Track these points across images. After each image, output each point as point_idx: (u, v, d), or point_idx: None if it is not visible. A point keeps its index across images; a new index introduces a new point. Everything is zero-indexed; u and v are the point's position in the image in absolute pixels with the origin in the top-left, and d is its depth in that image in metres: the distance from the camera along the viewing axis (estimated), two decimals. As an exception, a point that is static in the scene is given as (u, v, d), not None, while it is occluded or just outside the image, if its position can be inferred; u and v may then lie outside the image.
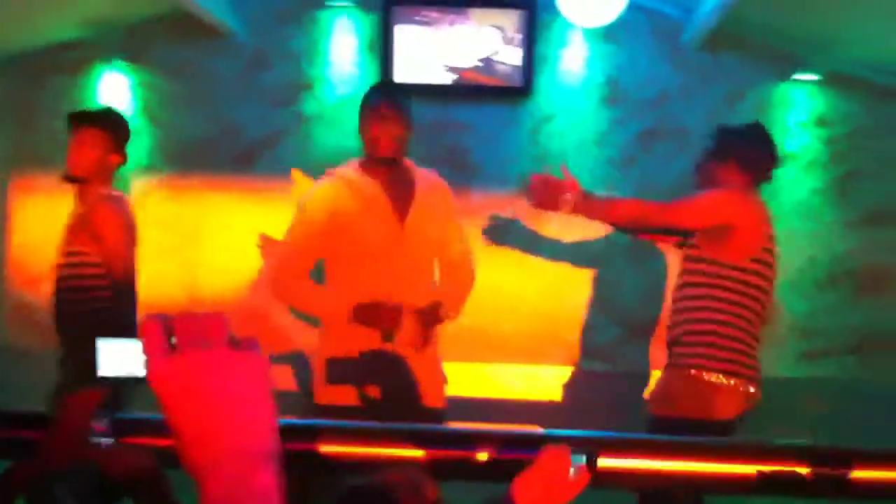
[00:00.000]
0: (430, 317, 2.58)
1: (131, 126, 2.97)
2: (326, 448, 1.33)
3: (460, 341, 3.88)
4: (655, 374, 2.81)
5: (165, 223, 4.17)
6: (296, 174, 2.36)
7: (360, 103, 2.59)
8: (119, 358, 0.83)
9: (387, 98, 2.57)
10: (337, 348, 2.58)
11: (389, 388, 2.55)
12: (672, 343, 2.63)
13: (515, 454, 1.32)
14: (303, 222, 2.59)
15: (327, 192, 2.59)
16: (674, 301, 2.69)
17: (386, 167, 2.57)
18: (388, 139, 2.49)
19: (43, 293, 4.15)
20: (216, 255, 4.18)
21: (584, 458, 1.27)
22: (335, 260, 2.62)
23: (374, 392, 2.54)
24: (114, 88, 4.16)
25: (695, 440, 1.49)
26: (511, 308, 3.65)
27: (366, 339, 2.53)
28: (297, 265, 2.61)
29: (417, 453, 1.34)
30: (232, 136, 4.13)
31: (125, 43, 4.11)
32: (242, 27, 4.07)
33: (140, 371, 0.70)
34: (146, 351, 0.71)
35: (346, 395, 2.53)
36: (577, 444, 1.29)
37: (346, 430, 1.38)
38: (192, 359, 0.70)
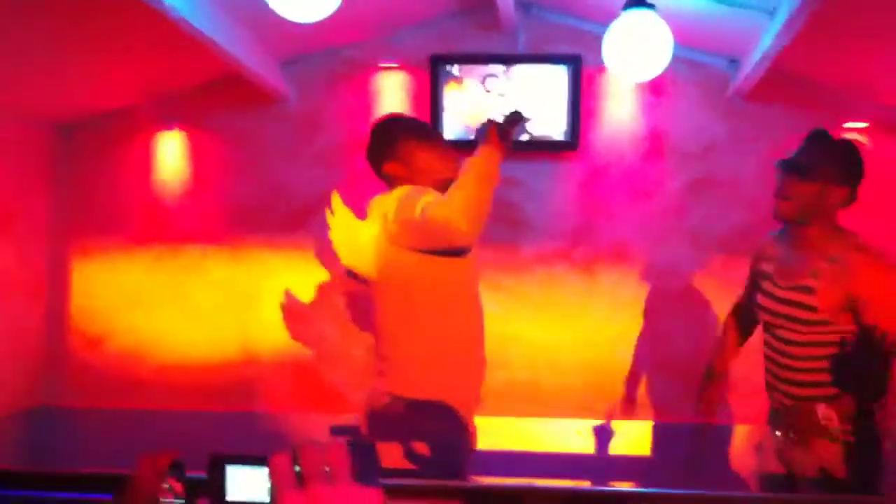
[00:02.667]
0: None
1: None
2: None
3: (506, 396, 3.87)
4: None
5: (223, 285, 4.27)
6: (335, 198, 2.33)
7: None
8: (246, 483, 0.87)
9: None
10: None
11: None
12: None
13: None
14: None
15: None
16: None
17: None
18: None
19: (104, 354, 4.30)
20: (272, 315, 4.22)
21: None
22: (432, 292, 2.31)
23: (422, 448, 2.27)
24: (170, 154, 4.31)
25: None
26: (558, 362, 3.59)
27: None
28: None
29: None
30: (285, 198, 4.22)
31: (180, 108, 4.26)
32: (294, 90, 4.20)
33: (265, 499, 0.72)
34: (276, 484, 0.72)
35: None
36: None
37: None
38: (319, 494, 0.71)
